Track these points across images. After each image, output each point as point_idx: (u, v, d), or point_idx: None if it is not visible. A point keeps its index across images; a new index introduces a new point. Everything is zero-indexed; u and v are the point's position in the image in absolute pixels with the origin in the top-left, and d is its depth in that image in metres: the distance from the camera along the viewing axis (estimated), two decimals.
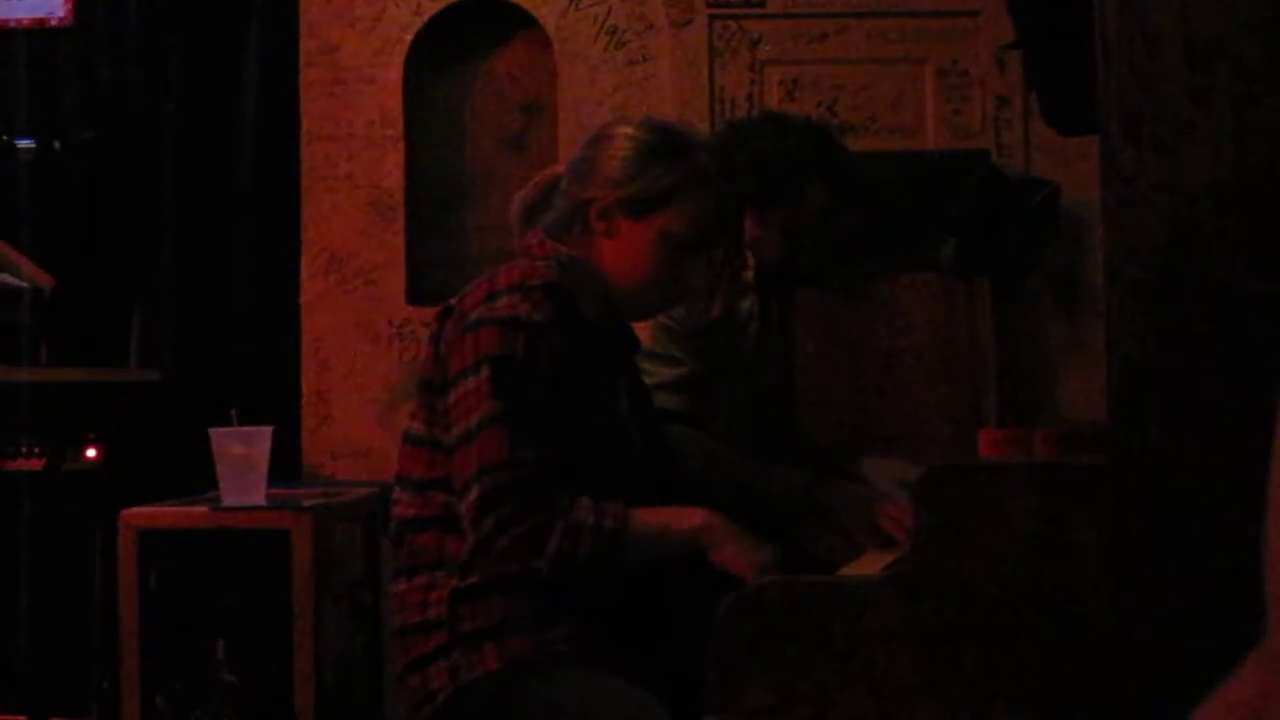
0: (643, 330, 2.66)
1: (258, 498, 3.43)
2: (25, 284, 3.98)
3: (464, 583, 2.28)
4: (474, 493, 2.20)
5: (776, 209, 2.99)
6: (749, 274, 3.02)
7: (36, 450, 3.95)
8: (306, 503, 3.51)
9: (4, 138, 4.21)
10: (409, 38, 4.39)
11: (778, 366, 3.28)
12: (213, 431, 3.42)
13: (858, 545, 2.68)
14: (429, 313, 4.37)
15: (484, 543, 2.20)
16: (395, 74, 4.38)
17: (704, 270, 2.52)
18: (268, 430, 3.44)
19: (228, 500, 3.42)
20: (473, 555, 2.23)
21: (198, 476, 3.65)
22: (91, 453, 3.97)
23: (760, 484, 2.79)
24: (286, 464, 4.04)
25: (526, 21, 4.42)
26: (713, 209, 2.42)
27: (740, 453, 2.88)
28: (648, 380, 2.70)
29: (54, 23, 4.59)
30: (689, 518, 2.30)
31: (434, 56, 4.46)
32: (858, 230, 3.36)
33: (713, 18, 4.27)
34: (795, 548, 2.64)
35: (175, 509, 3.51)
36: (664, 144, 2.42)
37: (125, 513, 3.47)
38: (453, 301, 2.36)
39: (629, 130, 2.44)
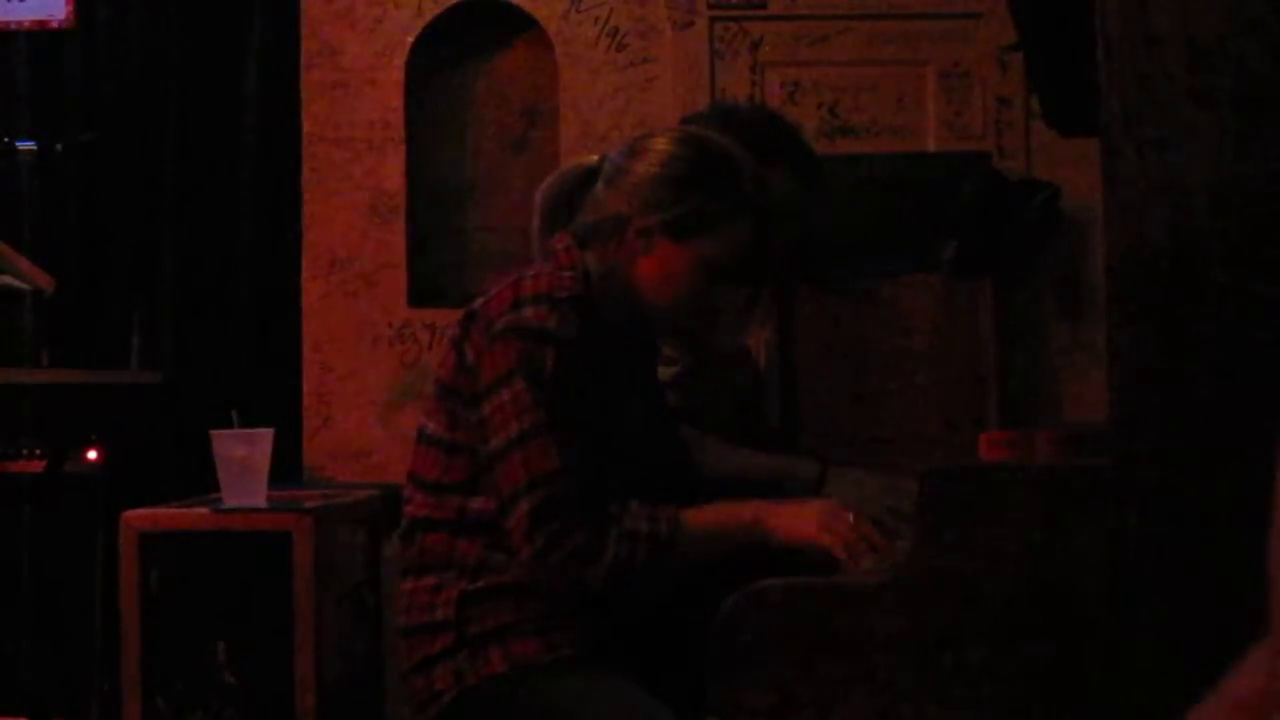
0: None
1: (259, 499, 3.43)
2: (26, 286, 3.98)
3: (473, 585, 2.27)
4: (524, 506, 2.19)
5: None
6: None
7: (37, 452, 3.95)
8: (308, 504, 3.51)
9: (5, 139, 4.21)
10: (410, 39, 4.39)
11: (752, 364, 3.29)
12: (214, 433, 3.42)
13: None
14: (430, 315, 4.42)
15: (538, 557, 2.19)
16: (397, 76, 4.38)
17: (735, 295, 2.50)
18: (268, 432, 3.44)
19: (229, 502, 3.42)
20: (528, 567, 2.22)
21: (199, 478, 3.65)
22: (92, 455, 3.96)
23: (768, 468, 2.76)
24: (287, 466, 4.04)
25: (528, 24, 4.42)
26: (754, 235, 2.40)
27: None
28: None
29: (55, 25, 4.59)
30: (740, 511, 2.28)
31: (435, 58, 4.46)
32: (845, 217, 3.37)
33: (714, 19, 4.27)
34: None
35: (176, 511, 3.51)
36: (708, 166, 2.38)
37: (126, 514, 3.47)
38: (476, 306, 2.32)
39: (670, 147, 2.38)
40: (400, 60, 4.38)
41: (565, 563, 2.19)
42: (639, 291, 2.36)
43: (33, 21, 4.59)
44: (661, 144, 2.39)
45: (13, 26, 4.59)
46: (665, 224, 2.34)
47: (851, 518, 2.23)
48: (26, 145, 4.23)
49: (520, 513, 2.19)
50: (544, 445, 2.20)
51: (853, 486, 2.71)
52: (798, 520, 2.24)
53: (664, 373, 2.81)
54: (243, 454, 3.40)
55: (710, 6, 4.27)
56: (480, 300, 2.33)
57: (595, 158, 2.47)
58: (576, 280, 2.31)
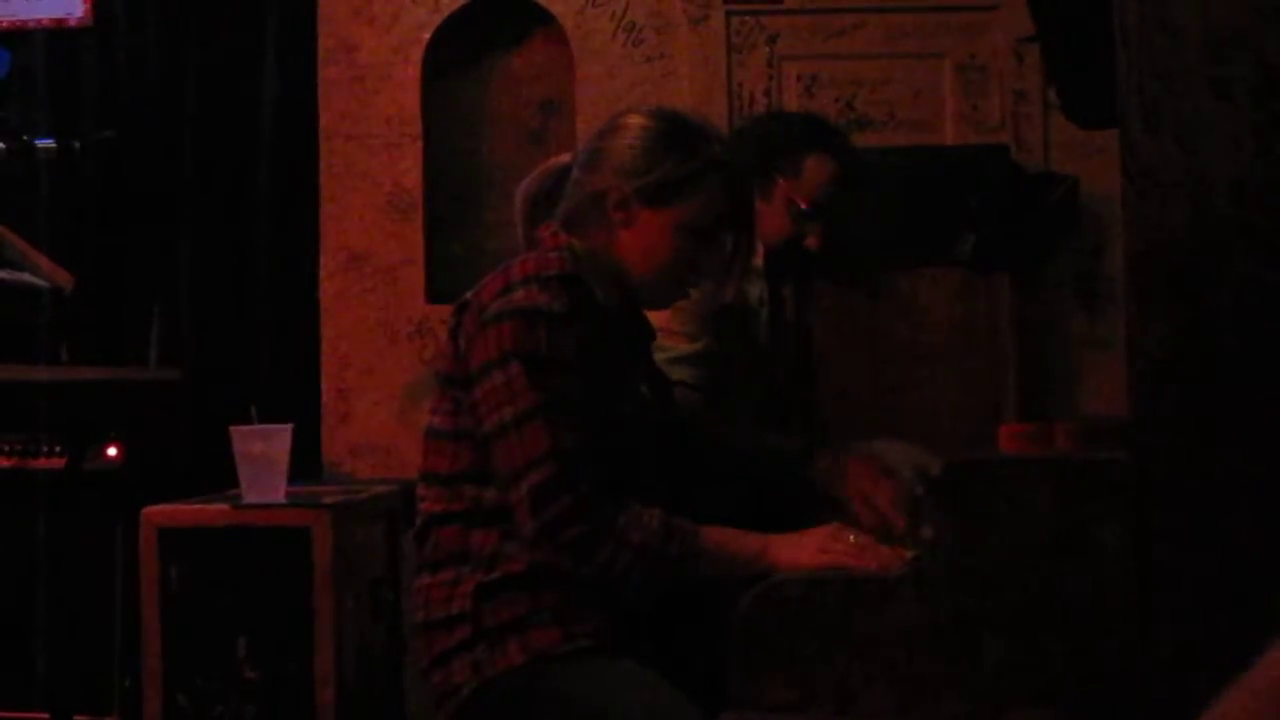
0: (658, 312, 2.65)
1: (278, 495, 3.44)
2: (45, 283, 3.99)
3: (489, 577, 2.28)
4: (524, 487, 2.21)
5: (779, 184, 3.10)
6: (758, 260, 3.03)
7: (57, 449, 3.96)
8: (327, 500, 3.51)
9: (24, 137, 4.22)
10: (427, 36, 4.39)
11: (790, 352, 3.29)
12: (233, 430, 3.42)
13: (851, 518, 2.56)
14: (448, 310, 4.38)
15: (538, 538, 2.22)
16: (414, 72, 4.38)
17: (719, 255, 2.51)
18: (288, 428, 3.45)
19: (248, 498, 3.43)
20: (532, 544, 2.25)
21: (218, 475, 3.65)
22: (112, 451, 3.97)
23: (756, 445, 2.75)
24: (307, 462, 4.04)
25: (544, 19, 4.42)
26: (729, 195, 2.43)
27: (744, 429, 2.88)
28: (663, 355, 2.71)
29: (73, 22, 4.60)
30: (750, 540, 2.25)
31: (452, 54, 4.47)
32: (864, 210, 3.42)
33: (730, 14, 4.27)
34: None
35: (196, 507, 3.52)
36: (678, 132, 2.43)
37: (146, 511, 3.48)
38: (469, 296, 2.37)
39: (641, 120, 2.44)
40: (417, 56, 4.38)
41: (560, 552, 2.22)
42: (625, 265, 2.39)
43: (50, 20, 4.60)
44: (634, 120, 2.45)
45: (31, 24, 4.60)
46: (641, 190, 2.38)
47: (852, 536, 2.22)
48: (45, 143, 4.23)
49: (521, 493, 2.22)
50: (538, 428, 2.21)
51: (888, 448, 2.69)
52: (797, 549, 2.22)
53: (684, 348, 2.83)
54: (262, 450, 3.41)
55: (726, 1, 4.27)
56: (472, 291, 2.36)
57: (568, 156, 2.51)
58: (564, 259, 2.34)
